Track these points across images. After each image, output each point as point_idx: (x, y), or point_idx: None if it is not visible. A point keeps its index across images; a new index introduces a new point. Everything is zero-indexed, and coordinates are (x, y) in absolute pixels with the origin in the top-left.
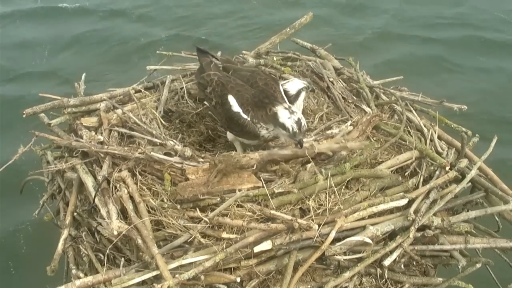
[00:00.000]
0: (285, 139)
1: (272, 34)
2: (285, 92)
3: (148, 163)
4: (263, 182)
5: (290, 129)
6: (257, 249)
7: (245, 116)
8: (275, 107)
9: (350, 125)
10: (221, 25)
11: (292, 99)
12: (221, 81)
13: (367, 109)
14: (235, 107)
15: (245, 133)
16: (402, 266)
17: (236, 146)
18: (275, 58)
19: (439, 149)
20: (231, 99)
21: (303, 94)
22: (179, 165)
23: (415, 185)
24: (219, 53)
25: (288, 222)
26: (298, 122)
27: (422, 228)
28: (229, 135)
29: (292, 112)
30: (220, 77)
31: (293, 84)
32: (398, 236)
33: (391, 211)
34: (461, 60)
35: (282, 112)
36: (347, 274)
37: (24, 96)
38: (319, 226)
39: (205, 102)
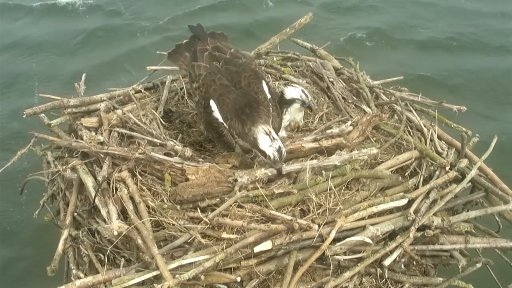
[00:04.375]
0: (264, 162)
1: None
2: (282, 95)
3: (148, 164)
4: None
5: (272, 157)
6: (257, 249)
7: (224, 125)
8: (256, 127)
9: (350, 125)
10: None
11: (285, 104)
12: (206, 82)
13: (367, 109)
14: (216, 113)
15: (221, 141)
16: (402, 266)
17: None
18: (275, 58)
19: (439, 149)
20: (213, 104)
21: (295, 105)
22: (179, 165)
23: (415, 185)
24: None
25: (288, 222)
26: (279, 151)
27: (422, 228)
28: None
29: (273, 140)
30: (207, 75)
31: (291, 91)
32: (398, 236)
33: (391, 211)
34: None
35: (262, 139)
36: (347, 274)
37: None
38: (319, 226)
39: None
